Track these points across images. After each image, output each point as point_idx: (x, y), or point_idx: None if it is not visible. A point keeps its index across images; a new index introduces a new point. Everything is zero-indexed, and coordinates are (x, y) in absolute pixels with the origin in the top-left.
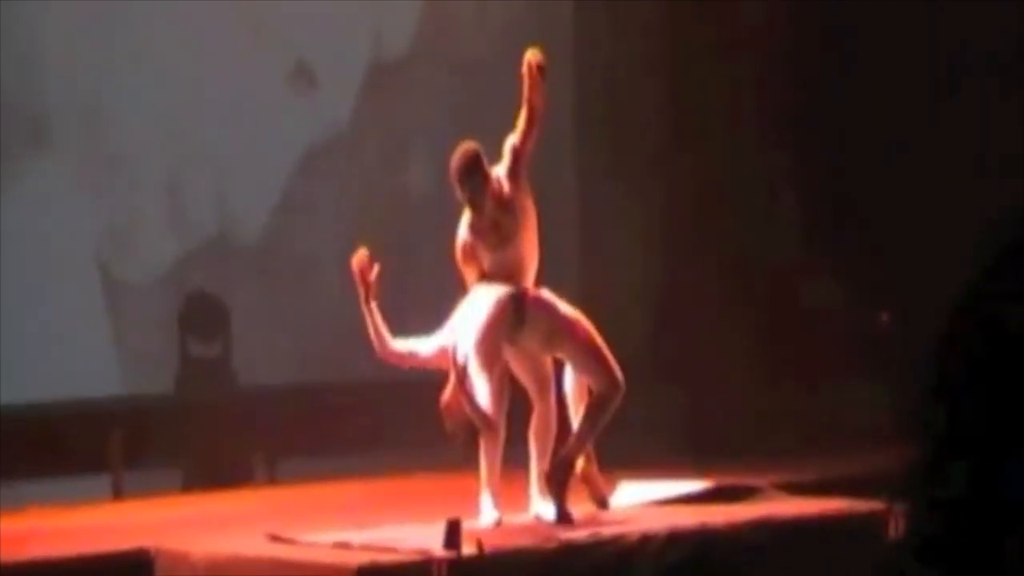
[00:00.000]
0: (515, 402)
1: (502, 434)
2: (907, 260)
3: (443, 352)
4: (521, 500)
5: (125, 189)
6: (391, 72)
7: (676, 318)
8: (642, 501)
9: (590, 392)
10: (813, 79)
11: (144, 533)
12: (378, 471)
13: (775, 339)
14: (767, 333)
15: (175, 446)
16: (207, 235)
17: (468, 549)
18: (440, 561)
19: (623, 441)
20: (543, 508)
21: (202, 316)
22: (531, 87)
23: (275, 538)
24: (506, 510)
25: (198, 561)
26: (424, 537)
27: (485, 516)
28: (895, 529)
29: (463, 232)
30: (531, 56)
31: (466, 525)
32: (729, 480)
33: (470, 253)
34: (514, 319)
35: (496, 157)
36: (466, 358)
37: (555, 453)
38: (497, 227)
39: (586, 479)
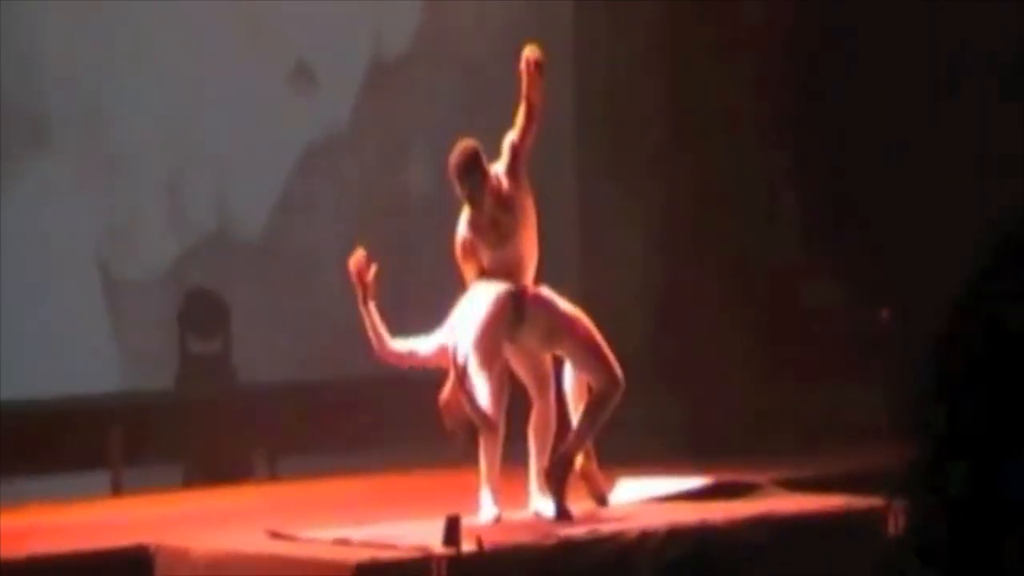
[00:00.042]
0: (514, 399)
1: (501, 431)
2: (907, 260)
3: (442, 350)
4: (520, 497)
5: (125, 189)
6: (391, 72)
7: (676, 318)
8: (641, 498)
9: (590, 389)
10: (813, 79)
11: (144, 530)
12: (378, 468)
13: (775, 339)
14: (767, 333)
15: (175, 443)
16: (207, 233)
17: (467, 546)
18: (440, 558)
19: (623, 440)
20: (542, 505)
21: (202, 313)
22: (529, 84)
23: (275, 535)
24: (505, 507)
25: (198, 558)
26: (424, 534)
27: (484, 513)
28: (894, 525)
29: (462, 229)
30: (529, 52)
31: (465, 522)
32: (728, 477)
33: (469, 250)
34: (513, 317)
35: (496, 157)
36: (466, 356)
37: (554, 450)
38: (496, 224)
39: (585, 476)
